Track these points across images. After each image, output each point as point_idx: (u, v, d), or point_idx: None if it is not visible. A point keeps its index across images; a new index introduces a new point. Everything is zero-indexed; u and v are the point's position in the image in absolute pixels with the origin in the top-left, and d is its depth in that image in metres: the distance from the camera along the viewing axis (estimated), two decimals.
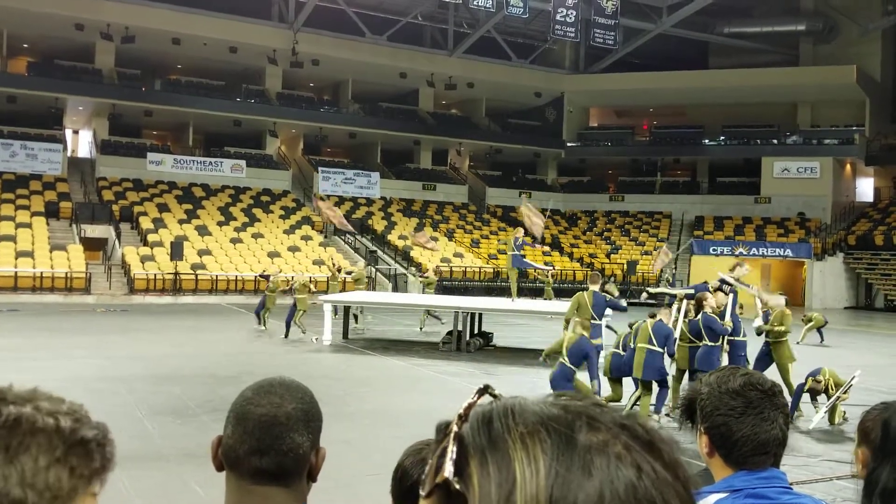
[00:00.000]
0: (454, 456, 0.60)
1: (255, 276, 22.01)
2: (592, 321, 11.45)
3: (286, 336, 16.99)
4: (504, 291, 28.42)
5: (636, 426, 0.58)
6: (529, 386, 11.54)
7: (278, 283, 18.94)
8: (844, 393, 9.70)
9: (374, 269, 30.47)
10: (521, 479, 0.54)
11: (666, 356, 10.08)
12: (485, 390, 0.64)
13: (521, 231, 18.52)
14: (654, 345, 9.74)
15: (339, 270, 23.30)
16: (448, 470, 0.60)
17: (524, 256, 18.23)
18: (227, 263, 28.48)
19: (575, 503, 0.53)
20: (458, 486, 0.59)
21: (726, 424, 1.62)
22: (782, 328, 10.95)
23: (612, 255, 37.72)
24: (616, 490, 0.53)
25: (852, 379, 9.74)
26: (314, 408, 1.45)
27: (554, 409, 0.58)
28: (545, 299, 19.94)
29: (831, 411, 9.75)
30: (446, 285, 30.00)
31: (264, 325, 18.44)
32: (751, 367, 10.35)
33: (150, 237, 29.01)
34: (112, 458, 0.72)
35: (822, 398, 10.05)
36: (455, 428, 0.60)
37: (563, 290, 32.44)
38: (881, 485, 1.64)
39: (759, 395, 1.64)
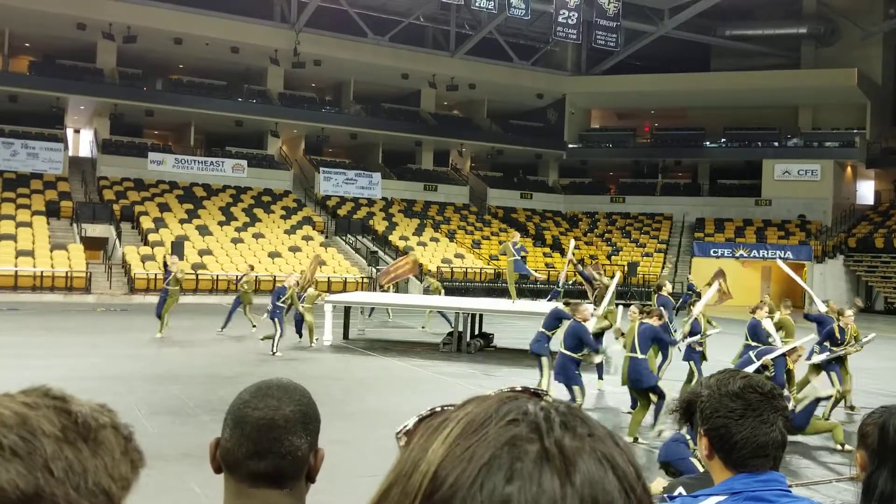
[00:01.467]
0: (414, 419, 0.65)
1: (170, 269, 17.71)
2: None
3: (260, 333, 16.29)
4: (505, 293, 28.41)
5: (564, 438, 0.56)
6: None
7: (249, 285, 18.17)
8: (859, 347, 10.13)
9: (375, 270, 30.46)
10: (433, 448, 0.57)
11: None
12: (534, 392, 0.64)
13: (517, 234, 18.56)
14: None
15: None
16: (403, 426, 0.65)
17: (524, 259, 18.30)
18: (227, 263, 28.47)
19: (460, 475, 0.54)
20: (400, 443, 0.64)
21: (726, 426, 1.62)
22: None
23: (613, 257, 37.71)
24: (490, 468, 0.54)
25: (869, 339, 10.41)
26: (312, 409, 1.44)
27: (515, 403, 0.59)
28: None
29: (842, 365, 10.04)
30: (447, 286, 30.01)
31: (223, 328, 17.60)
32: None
33: (151, 237, 29.02)
34: (143, 455, 0.74)
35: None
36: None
37: (565, 292, 32.47)
38: (879, 489, 1.64)
39: (758, 398, 1.64)
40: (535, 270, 21.03)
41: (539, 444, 0.55)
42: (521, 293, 19.21)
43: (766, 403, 1.63)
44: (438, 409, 0.64)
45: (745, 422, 1.62)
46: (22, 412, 0.64)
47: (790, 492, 1.62)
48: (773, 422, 1.62)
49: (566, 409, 0.59)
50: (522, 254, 18.22)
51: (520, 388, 0.65)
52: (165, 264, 16.86)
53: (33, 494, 0.60)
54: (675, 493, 1.94)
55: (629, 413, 9.73)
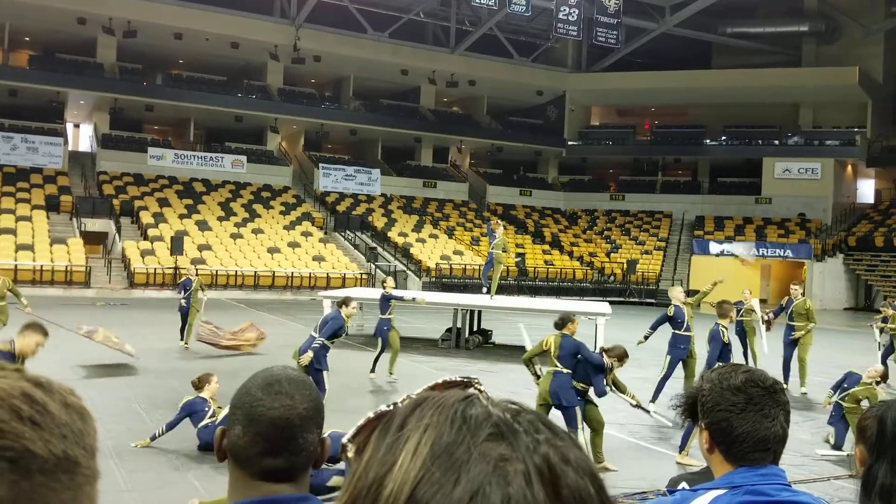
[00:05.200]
0: (363, 423, 0.62)
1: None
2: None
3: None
4: (502, 289, 28.42)
5: (551, 455, 0.54)
6: (527, 383, 11.52)
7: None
8: None
9: (373, 266, 30.48)
10: (399, 464, 0.53)
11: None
12: (469, 383, 0.62)
13: (500, 229, 18.57)
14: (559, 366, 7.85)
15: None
16: (347, 435, 0.63)
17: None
18: (227, 259, 28.49)
19: (446, 500, 0.51)
20: (348, 454, 0.61)
21: (727, 420, 1.62)
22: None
23: (612, 255, 37.73)
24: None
25: None
26: (320, 402, 1.44)
27: (478, 409, 0.56)
28: None
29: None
30: (446, 282, 30.02)
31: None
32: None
33: (151, 231, 29.02)
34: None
35: None
36: (400, 402, 0.60)
37: (563, 289, 32.56)
38: (879, 482, 1.64)
39: (760, 392, 1.64)
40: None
41: (523, 463, 0.52)
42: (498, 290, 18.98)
43: (767, 398, 1.63)
44: (382, 410, 0.61)
45: (747, 416, 1.61)
46: (18, 384, 0.65)
47: (790, 486, 1.62)
48: (775, 416, 1.62)
49: (532, 415, 0.57)
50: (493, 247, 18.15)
51: (450, 379, 0.62)
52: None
53: (63, 458, 0.63)
54: (679, 488, 1.94)
55: None
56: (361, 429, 0.63)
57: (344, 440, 0.63)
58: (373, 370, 12.14)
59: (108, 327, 13.90)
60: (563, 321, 7.96)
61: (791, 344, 12.55)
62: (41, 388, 0.67)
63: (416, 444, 0.54)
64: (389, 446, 0.55)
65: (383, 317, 12.44)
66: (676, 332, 10.65)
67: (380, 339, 12.30)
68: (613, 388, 7.94)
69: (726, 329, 9.49)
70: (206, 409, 7.79)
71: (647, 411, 8.85)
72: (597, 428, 7.78)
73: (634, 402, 8.31)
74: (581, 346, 7.84)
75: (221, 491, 1.44)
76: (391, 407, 0.61)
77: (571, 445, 0.56)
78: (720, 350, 9.28)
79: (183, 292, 15.43)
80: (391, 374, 12.00)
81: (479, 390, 0.61)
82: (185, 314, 15.28)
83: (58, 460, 0.62)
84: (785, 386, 10.19)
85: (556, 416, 7.35)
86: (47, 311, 19.74)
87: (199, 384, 8.02)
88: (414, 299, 14.25)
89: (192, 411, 7.71)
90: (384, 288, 13.02)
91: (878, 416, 1.73)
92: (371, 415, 0.63)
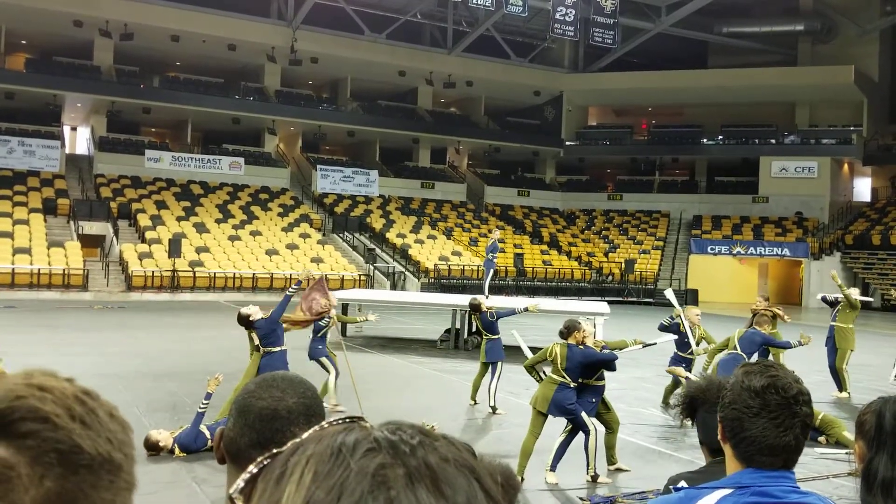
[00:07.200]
0: (248, 476, 0.63)
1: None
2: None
3: None
4: (501, 290, 28.49)
5: (428, 455, 0.55)
6: (527, 384, 11.52)
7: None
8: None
9: (372, 267, 30.47)
10: (286, 497, 0.55)
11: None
12: (353, 421, 0.63)
13: (497, 232, 18.63)
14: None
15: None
16: (235, 487, 0.64)
17: (493, 259, 18.34)
18: (224, 261, 28.46)
19: None
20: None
21: (738, 420, 1.61)
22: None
23: (610, 254, 37.75)
24: None
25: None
26: (316, 402, 1.45)
27: (357, 434, 0.57)
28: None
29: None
30: (444, 283, 30.02)
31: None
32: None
33: (148, 234, 28.98)
34: None
35: None
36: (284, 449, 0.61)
37: (561, 289, 32.56)
38: (880, 476, 1.63)
39: (778, 401, 1.60)
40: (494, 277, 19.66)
41: (403, 467, 0.54)
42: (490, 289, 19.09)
43: (784, 408, 1.60)
44: (267, 461, 0.63)
45: (759, 421, 1.59)
46: (73, 388, 0.67)
47: (799, 488, 1.61)
48: (789, 426, 1.59)
49: (411, 427, 0.59)
50: (492, 254, 18.20)
51: (339, 420, 0.64)
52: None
53: (108, 459, 0.65)
54: (679, 486, 1.93)
55: None
56: (247, 481, 0.65)
57: (232, 493, 0.64)
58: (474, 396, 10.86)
59: (114, 329, 13.88)
60: (569, 330, 7.38)
61: (833, 350, 12.09)
62: (90, 396, 0.69)
63: (299, 476, 0.55)
64: (276, 482, 0.57)
65: (493, 337, 11.04)
66: (679, 353, 10.50)
67: (499, 364, 10.83)
68: (614, 352, 7.71)
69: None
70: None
71: (654, 343, 8.86)
72: (613, 427, 7.73)
73: (641, 346, 8.51)
74: (588, 355, 7.33)
75: (221, 492, 1.43)
76: (271, 459, 0.62)
77: (448, 445, 0.57)
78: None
79: (315, 335, 10.80)
80: (495, 408, 10.48)
81: (362, 425, 0.61)
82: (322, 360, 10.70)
83: (103, 460, 0.65)
84: (837, 394, 10.12)
85: (553, 421, 7.35)
86: (45, 314, 19.74)
87: (154, 450, 7.64)
88: (526, 309, 12.11)
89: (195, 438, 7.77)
90: (481, 306, 11.03)
91: (876, 410, 1.73)
92: (254, 469, 0.65)
